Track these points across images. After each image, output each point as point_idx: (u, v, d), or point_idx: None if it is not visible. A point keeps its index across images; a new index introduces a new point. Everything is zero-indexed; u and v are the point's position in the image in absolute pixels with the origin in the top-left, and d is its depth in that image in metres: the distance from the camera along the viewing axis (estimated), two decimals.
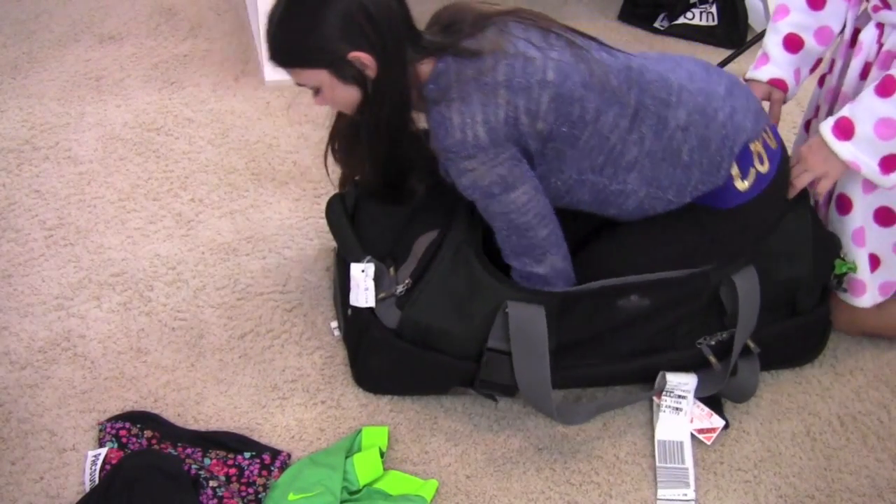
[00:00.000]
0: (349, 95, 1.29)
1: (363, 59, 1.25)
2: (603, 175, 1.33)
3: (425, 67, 1.30)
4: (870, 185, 1.42)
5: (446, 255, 1.34)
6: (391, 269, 1.40)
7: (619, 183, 1.34)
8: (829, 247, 1.45)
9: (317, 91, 1.31)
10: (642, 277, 1.35)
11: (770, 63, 1.51)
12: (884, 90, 1.29)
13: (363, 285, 1.38)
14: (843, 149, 1.34)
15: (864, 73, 1.43)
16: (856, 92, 1.45)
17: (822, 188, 1.40)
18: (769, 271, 1.40)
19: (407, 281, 1.36)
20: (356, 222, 1.48)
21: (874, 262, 1.49)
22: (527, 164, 1.31)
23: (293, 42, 1.26)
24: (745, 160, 1.36)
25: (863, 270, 1.48)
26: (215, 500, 1.26)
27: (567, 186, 1.35)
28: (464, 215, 1.37)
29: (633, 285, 1.35)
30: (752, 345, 1.42)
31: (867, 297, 1.51)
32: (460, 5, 1.36)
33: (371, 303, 1.38)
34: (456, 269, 1.33)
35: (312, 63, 1.27)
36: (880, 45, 1.40)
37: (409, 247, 1.40)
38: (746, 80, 1.54)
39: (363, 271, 1.39)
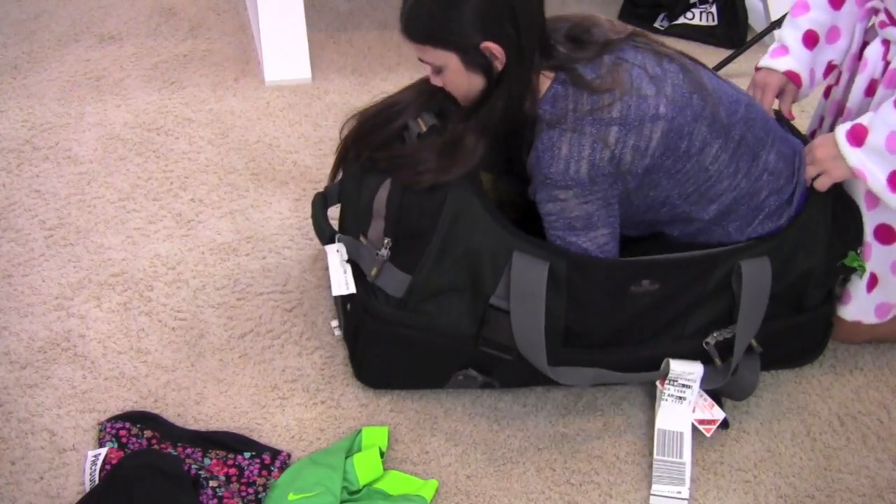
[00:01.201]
0: (471, 83, 1.30)
1: (494, 50, 1.26)
2: (688, 202, 1.36)
3: (544, 80, 1.31)
4: (873, 201, 1.42)
5: (449, 213, 1.31)
6: (361, 238, 1.39)
7: (698, 212, 1.37)
8: (846, 238, 1.44)
9: (438, 70, 1.31)
10: (653, 258, 1.36)
11: (789, 55, 1.51)
12: None
13: (340, 269, 1.38)
14: (853, 155, 1.33)
15: (870, 90, 1.43)
16: (860, 108, 1.45)
17: (822, 185, 1.40)
18: (786, 264, 1.40)
19: (386, 241, 1.34)
20: (342, 212, 1.49)
21: (872, 280, 1.48)
22: (616, 207, 1.33)
23: (431, 20, 1.26)
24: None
25: (857, 284, 1.48)
26: (215, 500, 1.26)
27: (648, 206, 1.36)
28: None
29: (645, 265, 1.35)
30: (755, 344, 1.41)
31: (852, 308, 1.50)
32: (593, 22, 1.36)
33: (352, 288, 1.37)
34: (461, 226, 1.32)
35: (444, 44, 1.27)
36: (886, 63, 1.40)
37: (370, 209, 1.38)
38: (759, 69, 1.55)
39: (337, 251, 1.39)
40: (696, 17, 2.49)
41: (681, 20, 2.49)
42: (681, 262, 1.37)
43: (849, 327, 1.54)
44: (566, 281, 1.33)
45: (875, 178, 1.33)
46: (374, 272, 1.35)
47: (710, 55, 2.38)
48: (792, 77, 1.51)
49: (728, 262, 1.37)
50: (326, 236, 1.42)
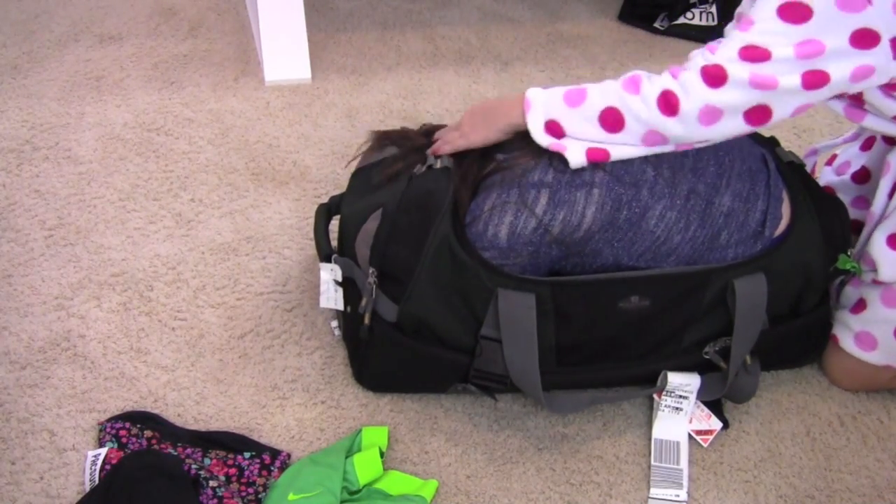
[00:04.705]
0: None
1: None
2: (640, 261, 1.33)
3: None
4: (891, 299, 1.40)
5: (431, 248, 1.30)
6: (357, 262, 1.39)
7: (656, 265, 1.34)
8: (836, 243, 1.41)
9: None
10: (638, 274, 1.33)
11: None
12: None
13: (331, 287, 1.39)
14: (545, 141, 1.29)
15: (893, 192, 1.42)
16: (882, 210, 1.42)
17: (444, 151, 1.34)
18: (784, 280, 1.37)
19: (371, 270, 1.34)
20: (340, 229, 1.48)
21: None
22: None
23: None
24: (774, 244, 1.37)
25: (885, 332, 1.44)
26: (215, 500, 1.26)
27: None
28: (449, 205, 1.32)
29: (630, 280, 1.33)
30: (748, 360, 1.41)
31: (878, 354, 1.45)
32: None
33: (339, 305, 1.39)
34: (444, 261, 1.31)
35: None
36: None
37: (356, 235, 1.38)
38: None
39: (331, 270, 1.39)
40: (696, 17, 2.49)
41: (681, 20, 2.49)
42: (670, 278, 1.34)
43: (871, 371, 1.48)
44: (552, 303, 1.32)
45: (536, 123, 1.29)
46: (364, 302, 1.34)
47: None
48: None
49: (722, 279, 1.34)
50: (323, 255, 1.42)
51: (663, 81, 1.23)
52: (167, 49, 2.25)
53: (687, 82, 1.21)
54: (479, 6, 2.54)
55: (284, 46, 2.13)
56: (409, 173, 1.36)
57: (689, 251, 1.33)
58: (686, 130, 1.23)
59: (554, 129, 1.28)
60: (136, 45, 2.26)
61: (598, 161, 1.28)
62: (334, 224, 1.52)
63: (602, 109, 1.26)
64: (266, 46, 2.13)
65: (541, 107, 1.29)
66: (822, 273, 1.40)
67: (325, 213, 1.49)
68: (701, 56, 1.23)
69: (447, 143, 1.37)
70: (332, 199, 1.51)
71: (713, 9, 2.48)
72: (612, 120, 1.25)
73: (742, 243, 1.35)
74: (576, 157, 1.28)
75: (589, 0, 2.61)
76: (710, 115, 1.22)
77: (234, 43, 2.29)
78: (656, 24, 2.51)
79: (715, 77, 1.19)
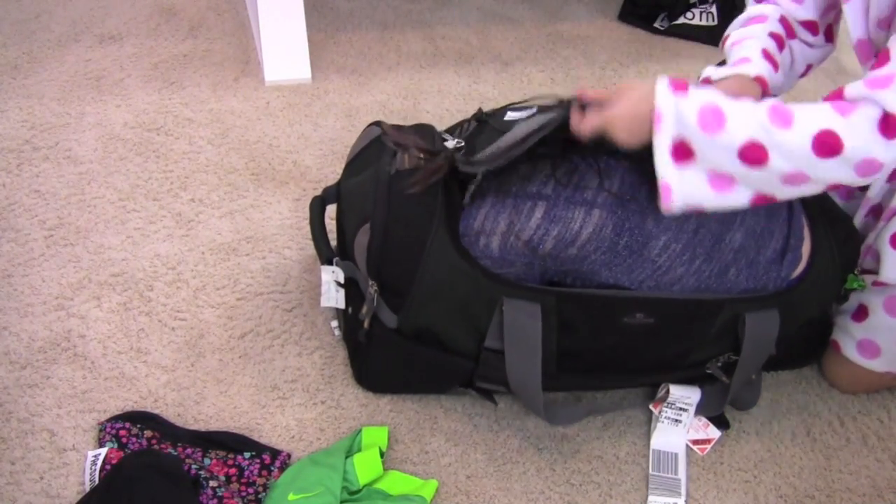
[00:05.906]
0: None
1: None
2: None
3: None
4: (894, 308, 1.39)
5: (428, 260, 1.27)
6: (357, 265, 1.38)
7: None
8: (847, 266, 1.38)
9: None
10: (645, 295, 1.29)
11: (753, 62, 1.35)
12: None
13: (333, 287, 1.39)
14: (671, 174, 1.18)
15: (891, 178, 1.40)
16: (879, 197, 1.41)
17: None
18: (798, 310, 1.34)
19: (371, 282, 1.32)
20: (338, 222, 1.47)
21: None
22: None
23: None
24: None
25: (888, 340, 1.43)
26: (215, 500, 1.26)
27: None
28: (442, 214, 1.29)
29: (640, 300, 1.28)
30: (752, 376, 1.40)
31: (882, 361, 1.44)
32: None
33: (341, 304, 1.39)
34: (442, 273, 1.28)
35: None
36: None
37: (352, 247, 1.35)
38: (724, 77, 1.35)
39: (333, 272, 1.39)
40: (696, 17, 2.49)
41: (681, 20, 2.49)
42: (681, 302, 1.29)
43: (873, 376, 1.48)
44: (556, 312, 1.29)
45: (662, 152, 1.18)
46: (364, 310, 1.33)
47: (710, 55, 2.39)
48: (762, 83, 1.33)
49: (734, 310, 1.30)
50: (324, 257, 1.40)
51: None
52: (167, 49, 2.25)
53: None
54: (479, 6, 2.54)
55: (284, 46, 2.13)
56: (387, 163, 1.32)
57: (695, 282, 1.29)
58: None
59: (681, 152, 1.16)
60: (136, 45, 2.26)
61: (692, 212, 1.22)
62: (333, 225, 1.52)
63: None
64: (266, 46, 2.13)
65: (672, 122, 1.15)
66: (833, 299, 1.40)
67: (319, 204, 1.46)
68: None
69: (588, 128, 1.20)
70: (326, 189, 1.50)
71: (713, 9, 2.48)
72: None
73: (752, 279, 1.30)
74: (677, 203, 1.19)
75: (589, 0, 2.61)
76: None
77: (234, 43, 2.29)
78: (656, 24, 2.51)
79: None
